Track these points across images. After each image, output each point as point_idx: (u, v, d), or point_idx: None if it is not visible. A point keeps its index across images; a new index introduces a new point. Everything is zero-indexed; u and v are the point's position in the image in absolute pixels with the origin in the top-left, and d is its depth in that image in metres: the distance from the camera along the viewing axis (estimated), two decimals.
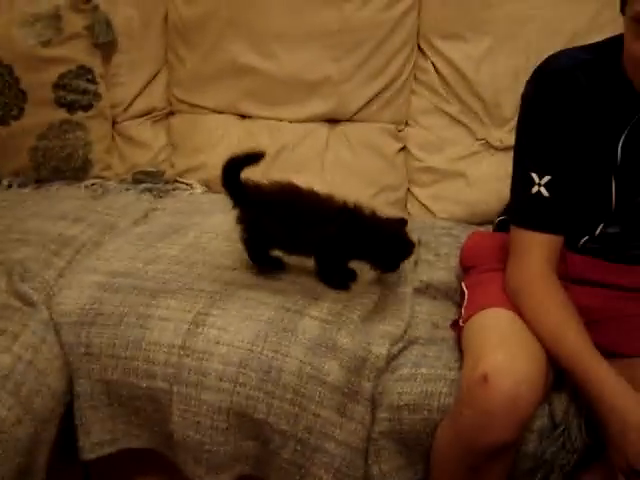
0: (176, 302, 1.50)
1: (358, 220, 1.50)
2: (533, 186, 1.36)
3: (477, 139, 2.03)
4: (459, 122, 2.05)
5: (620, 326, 1.41)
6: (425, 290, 1.64)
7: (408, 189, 2.08)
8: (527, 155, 1.39)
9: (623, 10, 1.24)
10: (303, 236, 1.51)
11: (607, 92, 1.30)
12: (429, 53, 2.08)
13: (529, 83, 1.39)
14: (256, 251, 1.58)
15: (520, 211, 1.40)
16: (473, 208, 1.97)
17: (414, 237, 1.78)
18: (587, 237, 1.44)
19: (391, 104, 2.09)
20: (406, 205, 2.07)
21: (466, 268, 1.60)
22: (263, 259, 1.59)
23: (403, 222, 1.54)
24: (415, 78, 2.11)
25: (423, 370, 1.40)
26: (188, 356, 1.42)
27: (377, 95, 2.09)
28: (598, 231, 1.43)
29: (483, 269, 1.50)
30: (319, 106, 2.11)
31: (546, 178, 1.35)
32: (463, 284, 1.53)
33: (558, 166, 1.36)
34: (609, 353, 1.35)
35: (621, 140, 1.34)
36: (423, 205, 2.03)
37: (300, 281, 1.56)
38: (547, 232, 1.37)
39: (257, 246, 1.58)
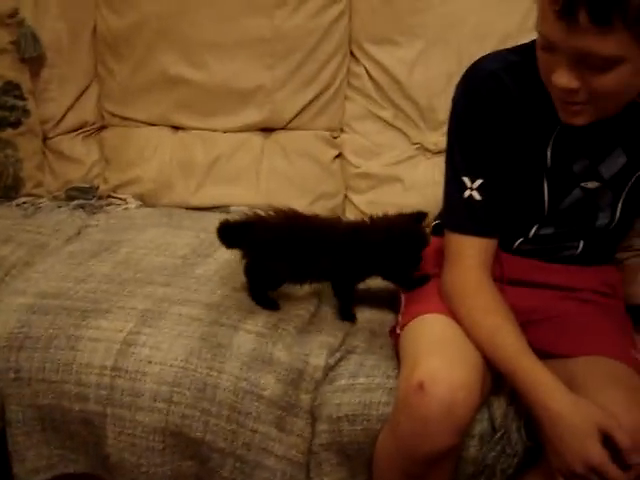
0: (107, 322, 1.46)
1: (365, 238, 1.46)
2: (465, 190, 1.35)
3: (412, 143, 2.02)
4: (394, 127, 2.04)
5: (556, 326, 1.41)
6: (364, 298, 1.62)
7: (345, 196, 2.06)
8: (458, 159, 1.38)
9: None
10: (315, 265, 1.47)
11: (535, 94, 1.30)
12: (362, 59, 2.06)
13: (458, 87, 1.38)
14: (258, 292, 1.54)
15: (453, 216, 1.39)
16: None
17: None
18: (522, 239, 1.44)
19: (325, 111, 2.07)
20: (344, 212, 2.05)
21: None
22: (263, 300, 1.54)
23: (418, 217, 1.50)
24: (349, 84, 2.08)
25: (361, 380, 1.38)
26: (120, 377, 1.39)
27: (311, 102, 2.06)
28: (532, 232, 1.43)
29: (419, 274, 1.48)
30: (253, 115, 2.08)
31: (478, 182, 1.35)
32: (402, 296, 1.51)
33: (489, 169, 1.35)
34: (547, 354, 1.34)
35: (551, 142, 1.34)
36: (361, 211, 2.00)
37: (235, 295, 1.54)
38: (481, 236, 1.36)
39: (259, 287, 1.54)
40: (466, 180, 1.35)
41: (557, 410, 1.17)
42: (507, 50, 1.37)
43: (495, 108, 1.33)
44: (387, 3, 2.03)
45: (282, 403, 1.37)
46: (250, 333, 1.43)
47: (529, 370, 1.22)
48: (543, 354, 1.33)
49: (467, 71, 1.36)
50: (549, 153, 1.34)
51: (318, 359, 1.42)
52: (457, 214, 1.38)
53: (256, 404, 1.37)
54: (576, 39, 1.10)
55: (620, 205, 1.40)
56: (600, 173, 1.36)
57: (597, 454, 1.14)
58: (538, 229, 1.42)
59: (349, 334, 1.51)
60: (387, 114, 2.04)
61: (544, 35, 1.16)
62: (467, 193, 1.35)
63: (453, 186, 1.38)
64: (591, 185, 1.37)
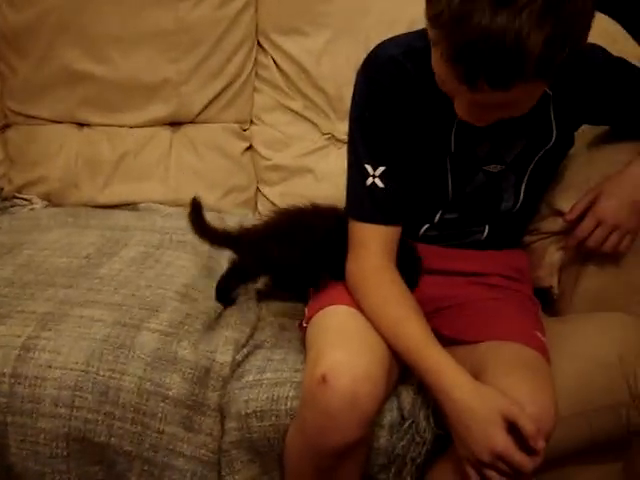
0: (5, 327, 1.41)
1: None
2: (367, 178, 1.33)
3: (323, 133, 2.01)
4: (304, 117, 2.03)
5: (463, 313, 1.41)
6: (272, 291, 1.60)
7: (257, 188, 2.04)
8: (360, 146, 1.35)
9: None
10: (313, 258, 1.43)
11: (433, 85, 1.26)
12: (269, 49, 2.05)
13: (358, 73, 1.36)
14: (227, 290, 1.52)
15: (355, 204, 1.37)
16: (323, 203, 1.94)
17: None
18: (427, 225, 1.44)
19: (234, 103, 2.05)
20: (256, 205, 2.03)
21: None
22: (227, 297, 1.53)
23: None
24: (257, 75, 2.07)
25: (269, 375, 1.36)
26: (20, 384, 1.34)
27: (219, 95, 2.04)
28: (437, 218, 1.43)
29: None
30: (160, 109, 2.04)
31: (380, 169, 1.33)
32: None
33: (392, 156, 1.34)
34: (455, 341, 1.35)
35: (454, 126, 1.33)
36: (273, 204, 1.98)
37: (140, 294, 1.50)
38: (384, 224, 1.34)
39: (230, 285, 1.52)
40: (368, 168, 1.33)
41: (461, 399, 1.17)
42: (409, 34, 1.35)
43: (396, 94, 1.31)
44: None
45: (189, 402, 1.35)
46: (154, 332, 1.39)
47: (433, 360, 1.21)
48: (452, 341, 1.34)
49: (367, 57, 1.34)
50: (453, 137, 1.34)
51: (224, 356, 1.39)
52: (360, 203, 1.35)
53: (162, 405, 1.33)
54: (478, 96, 1.10)
55: (523, 188, 1.41)
56: (502, 156, 1.36)
57: (501, 441, 1.14)
58: (443, 214, 1.42)
59: (257, 329, 1.49)
60: (296, 105, 2.03)
61: (443, 83, 1.16)
62: (369, 181, 1.33)
63: (355, 174, 1.35)
64: (494, 168, 1.37)
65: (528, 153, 1.37)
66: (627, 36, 1.94)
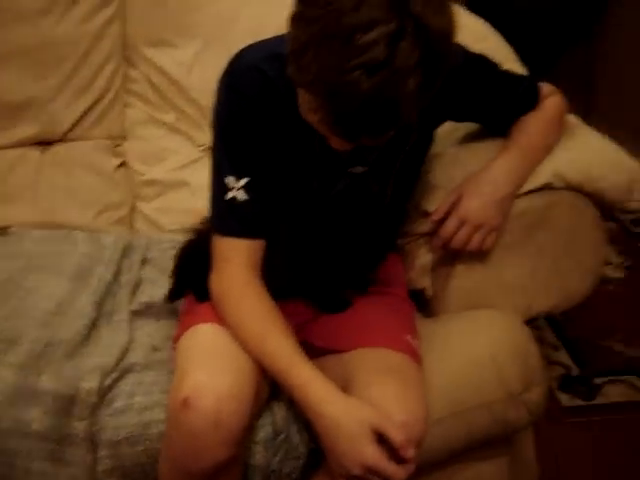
0: None
1: None
2: (230, 190, 1.29)
3: (197, 146, 1.97)
4: (177, 130, 2.00)
5: (332, 321, 1.40)
6: (146, 311, 1.56)
7: (133, 205, 1.98)
8: (222, 158, 1.30)
9: None
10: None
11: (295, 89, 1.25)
12: (138, 62, 2.02)
13: (219, 82, 1.31)
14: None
15: (218, 218, 1.33)
16: (200, 216, 1.90)
17: (138, 256, 1.72)
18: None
19: (104, 119, 2.01)
20: (133, 222, 1.97)
21: None
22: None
23: None
24: (127, 90, 2.03)
25: (138, 399, 1.32)
26: None
27: (88, 111, 2.00)
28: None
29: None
30: (27, 129, 1.98)
31: (243, 181, 1.29)
32: (185, 300, 1.46)
33: (254, 167, 1.30)
34: (327, 351, 1.33)
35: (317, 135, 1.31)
36: (150, 219, 1.94)
37: None
38: (247, 238, 1.31)
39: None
40: (231, 180, 1.28)
41: (329, 415, 1.16)
42: (271, 39, 1.29)
43: (258, 102, 1.26)
44: (160, 4, 1.99)
45: (54, 436, 1.29)
46: (10, 367, 1.33)
47: (299, 376, 1.19)
48: (324, 351, 1.31)
49: (228, 64, 1.30)
50: (317, 143, 1.29)
51: (91, 382, 1.33)
52: (222, 216, 1.32)
53: (24, 442, 1.27)
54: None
55: (389, 191, 1.39)
56: (365, 157, 1.34)
57: (371, 455, 1.13)
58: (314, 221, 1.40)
59: (127, 352, 1.44)
60: (169, 118, 2.00)
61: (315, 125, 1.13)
62: (232, 194, 1.29)
63: (218, 186, 1.31)
64: (357, 170, 1.35)
65: (390, 153, 1.36)
66: (494, 33, 1.97)
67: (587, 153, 1.48)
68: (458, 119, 1.49)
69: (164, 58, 1.98)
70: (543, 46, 3.81)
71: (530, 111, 1.44)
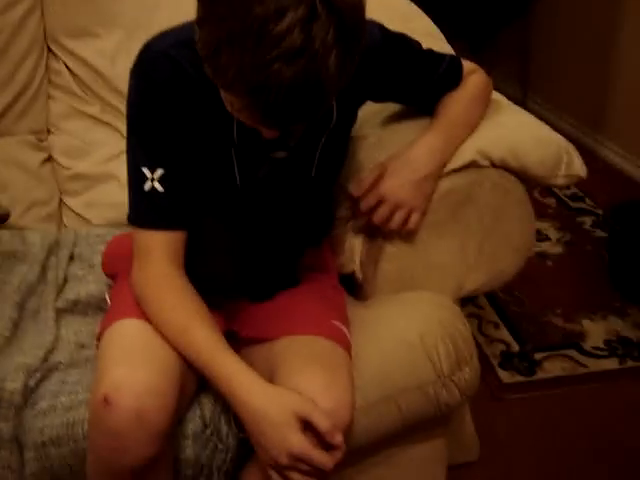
0: None
1: None
2: (146, 182, 1.27)
3: (124, 137, 1.92)
4: (103, 122, 1.96)
5: (259, 311, 1.39)
6: (73, 308, 1.53)
7: (61, 200, 1.94)
8: (137, 149, 1.29)
9: None
10: None
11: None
12: (60, 54, 1.97)
13: (131, 71, 1.27)
14: None
15: (136, 210, 1.31)
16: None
17: (65, 252, 1.68)
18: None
19: (27, 114, 1.95)
20: (61, 217, 1.93)
21: (110, 276, 1.50)
22: None
23: None
24: (50, 82, 1.98)
25: (63, 399, 1.29)
26: None
27: (9, 106, 1.94)
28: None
29: (125, 275, 1.38)
30: None
31: (159, 172, 1.26)
32: (107, 295, 1.43)
33: (170, 157, 1.27)
34: (254, 340, 1.31)
35: (234, 120, 1.26)
36: (78, 215, 1.89)
37: None
38: (167, 229, 1.28)
39: None
40: (146, 171, 1.26)
41: (253, 404, 1.14)
42: (180, 26, 1.25)
43: (170, 90, 1.23)
44: None
45: None
46: None
47: (222, 366, 1.17)
48: (250, 341, 1.30)
49: (138, 54, 1.26)
50: (235, 127, 1.28)
51: (15, 383, 1.30)
52: (140, 208, 1.30)
53: None
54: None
55: (314, 175, 1.38)
56: (286, 141, 1.32)
57: (297, 442, 1.11)
58: (237, 210, 1.38)
59: (53, 350, 1.40)
60: (94, 110, 1.96)
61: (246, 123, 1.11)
62: (148, 185, 1.27)
63: (134, 179, 1.29)
64: (279, 155, 1.33)
65: (312, 136, 1.34)
66: (421, 13, 1.96)
67: (512, 130, 1.48)
68: (379, 98, 1.47)
69: (86, 49, 1.94)
70: (480, 24, 3.84)
71: (453, 89, 1.44)
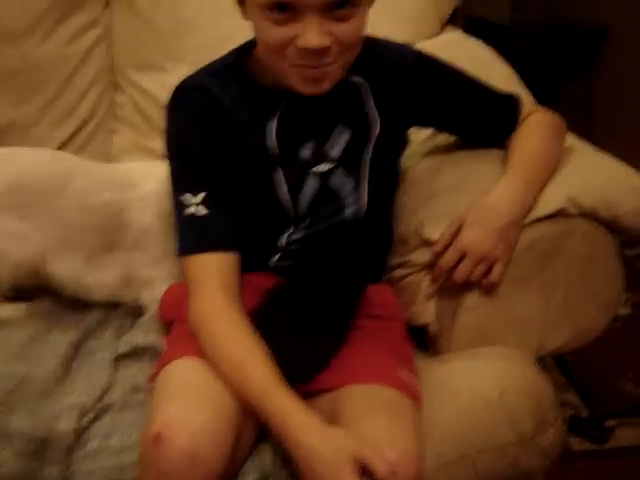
0: None
1: None
2: (188, 207, 1.26)
3: None
4: (164, 156, 1.89)
5: None
6: (132, 354, 1.44)
7: None
8: (178, 178, 1.29)
9: (244, 2, 1.20)
10: None
11: (246, 91, 1.29)
12: (126, 87, 1.94)
13: (166, 108, 1.33)
14: None
15: (183, 238, 1.28)
16: None
17: None
18: (278, 254, 1.35)
19: (89, 146, 1.91)
20: None
21: (168, 323, 1.42)
22: None
23: None
24: (113, 115, 1.94)
25: (114, 441, 1.21)
26: None
27: (71, 137, 1.90)
28: (284, 241, 1.34)
29: (182, 321, 1.31)
30: None
31: (200, 195, 1.25)
32: (165, 341, 1.35)
33: (211, 180, 1.27)
34: (313, 392, 1.22)
35: (273, 132, 1.29)
36: None
37: None
38: (213, 250, 1.25)
39: None
40: (188, 197, 1.26)
41: (308, 443, 1.06)
42: (207, 65, 1.35)
43: (205, 116, 1.28)
44: (148, 27, 1.90)
45: None
46: None
47: (277, 402, 1.09)
48: (310, 393, 1.20)
49: (172, 92, 1.32)
50: (274, 144, 1.29)
51: (67, 423, 1.23)
52: (186, 235, 1.27)
53: None
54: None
55: (366, 192, 1.34)
56: (328, 153, 1.31)
57: None
58: (289, 236, 1.34)
59: (107, 391, 1.32)
60: (157, 145, 1.88)
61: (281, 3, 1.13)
62: (191, 210, 1.25)
63: (178, 207, 1.28)
64: (322, 168, 1.31)
65: (355, 145, 1.32)
66: (501, 61, 1.90)
67: (601, 176, 1.39)
68: (422, 122, 1.45)
69: (152, 82, 1.90)
70: (543, 79, 3.76)
71: (515, 125, 1.40)
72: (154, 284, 1.52)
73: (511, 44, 3.37)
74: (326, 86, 1.21)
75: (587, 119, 3.71)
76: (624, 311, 2.58)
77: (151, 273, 1.52)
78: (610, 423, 2.06)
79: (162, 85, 1.89)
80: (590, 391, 2.18)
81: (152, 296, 1.51)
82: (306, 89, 1.21)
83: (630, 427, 2.05)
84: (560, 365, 2.26)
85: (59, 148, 1.88)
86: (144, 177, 1.57)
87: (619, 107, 3.61)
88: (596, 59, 3.64)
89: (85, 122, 1.90)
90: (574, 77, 3.80)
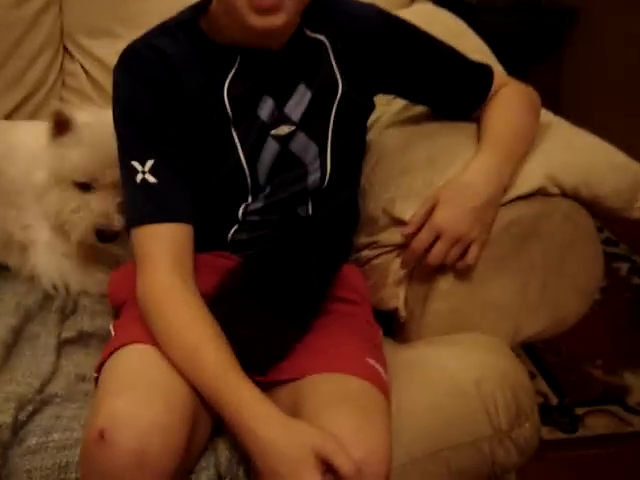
0: None
1: None
2: (136, 175, 1.16)
3: None
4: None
5: None
6: (78, 340, 1.34)
7: None
8: (124, 144, 1.20)
9: None
10: None
11: (194, 55, 1.21)
12: (77, 54, 1.83)
13: (114, 69, 1.24)
14: None
15: (131, 208, 1.19)
16: None
17: None
18: (235, 226, 1.26)
19: (37, 115, 1.79)
20: None
21: (117, 307, 1.32)
22: None
23: None
24: (64, 84, 1.83)
25: (56, 436, 1.11)
26: None
27: (19, 106, 1.78)
28: (241, 211, 1.25)
29: (132, 304, 1.20)
30: None
31: (149, 163, 1.16)
32: (111, 326, 1.24)
33: (160, 146, 1.18)
34: (273, 383, 1.13)
35: (225, 89, 1.21)
36: None
37: None
38: (165, 221, 1.15)
39: None
40: (136, 165, 1.16)
41: (265, 436, 0.96)
42: (160, 23, 1.27)
43: (154, 78, 1.19)
44: None
45: None
46: None
47: (233, 391, 1.00)
48: (267, 385, 1.11)
49: (120, 53, 1.24)
50: (227, 102, 1.20)
51: (4, 416, 1.12)
52: (134, 205, 1.18)
53: None
54: None
55: (329, 158, 1.26)
56: (287, 115, 1.22)
57: None
58: (247, 206, 1.25)
59: (49, 381, 1.22)
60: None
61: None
62: (139, 177, 1.16)
63: (126, 176, 1.19)
64: (282, 131, 1.22)
65: (318, 107, 1.24)
66: (471, 32, 1.82)
67: (581, 154, 1.31)
68: (392, 90, 1.37)
69: (105, 49, 1.79)
70: (511, 60, 3.70)
71: (486, 95, 1.32)
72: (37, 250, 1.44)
73: (479, 23, 3.31)
74: (280, 20, 1.10)
75: (556, 99, 3.66)
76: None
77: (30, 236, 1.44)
78: (580, 411, 2.00)
79: (115, 52, 1.75)
80: (559, 379, 2.12)
81: (43, 266, 1.43)
82: (257, 21, 1.10)
83: (600, 415, 1.99)
84: (529, 352, 2.20)
85: (7, 116, 1.77)
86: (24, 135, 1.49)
87: (588, 87, 3.58)
88: (565, 40, 3.60)
89: (33, 91, 1.79)
90: (543, 58, 3.76)
